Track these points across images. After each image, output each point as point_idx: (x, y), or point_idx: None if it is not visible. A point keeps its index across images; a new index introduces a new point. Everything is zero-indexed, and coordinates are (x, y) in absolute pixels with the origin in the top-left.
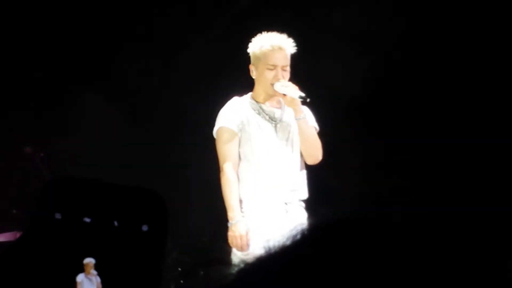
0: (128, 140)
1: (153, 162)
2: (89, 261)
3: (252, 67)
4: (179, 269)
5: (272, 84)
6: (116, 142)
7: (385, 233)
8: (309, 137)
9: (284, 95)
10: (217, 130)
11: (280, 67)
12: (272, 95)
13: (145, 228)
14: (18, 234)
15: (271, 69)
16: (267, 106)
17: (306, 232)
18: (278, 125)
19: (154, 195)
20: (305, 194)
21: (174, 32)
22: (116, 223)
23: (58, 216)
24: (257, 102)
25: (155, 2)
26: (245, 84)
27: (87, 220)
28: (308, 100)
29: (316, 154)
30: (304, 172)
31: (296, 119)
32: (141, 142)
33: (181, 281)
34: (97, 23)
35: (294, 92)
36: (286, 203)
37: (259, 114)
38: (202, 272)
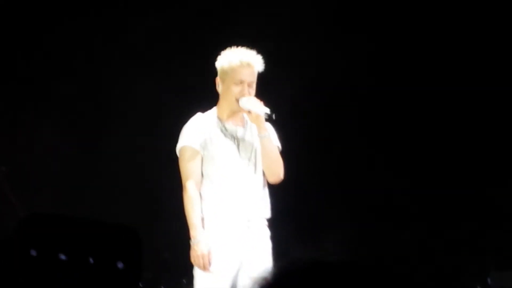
0: (91, 155)
1: (117, 176)
2: None
3: (218, 81)
4: (141, 285)
5: (237, 100)
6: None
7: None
8: (272, 155)
9: (249, 111)
10: (180, 149)
11: (247, 83)
12: (236, 111)
13: (120, 265)
14: None
15: (238, 85)
16: (230, 125)
17: (273, 277)
18: (241, 144)
19: (129, 230)
20: (267, 212)
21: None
22: (91, 260)
23: (33, 253)
24: (220, 120)
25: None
26: (210, 98)
27: (63, 257)
28: (273, 116)
29: (278, 173)
30: (267, 190)
31: (259, 136)
32: (103, 157)
33: None
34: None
35: (260, 108)
36: (248, 220)
37: (222, 132)
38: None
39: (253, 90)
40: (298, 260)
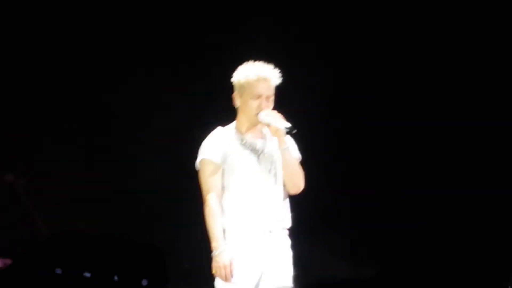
0: (114, 168)
1: (139, 190)
2: None
3: (236, 96)
4: None
5: (256, 114)
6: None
7: None
8: (292, 167)
9: (269, 125)
10: (200, 162)
11: (265, 97)
12: (255, 124)
13: (145, 282)
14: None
15: (256, 99)
16: (250, 137)
17: None
18: (260, 156)
19: (154, 249)
20: (288, 223)
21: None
22: (116, 278)
23: (58, 271)
24: (240, 133)
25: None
26: (229, 113)
27: (87, 275)
28: (294, 131)
29: (298, 184)
30: (287, 200)
31: (279, 149)
32: (124, 172)
33: None
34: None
35: (280, 122)
36: (270, 231)
37: (241, 145)
38: None
39: (271, 104)
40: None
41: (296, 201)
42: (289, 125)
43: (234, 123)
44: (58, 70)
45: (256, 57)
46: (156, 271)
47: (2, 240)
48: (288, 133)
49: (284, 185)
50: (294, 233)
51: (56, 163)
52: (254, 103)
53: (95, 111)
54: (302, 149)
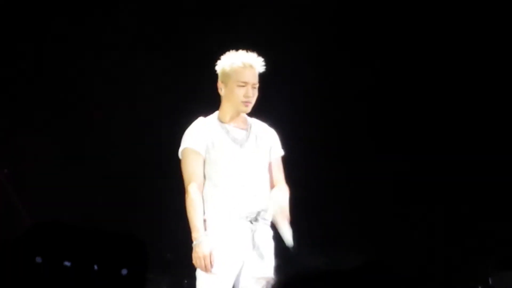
0: (96, 158)
1: (119, 179)
2: None
3: (220, 85)
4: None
5: (243, 102)
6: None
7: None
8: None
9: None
10: (182, 151)
11: (251, 84)
12: (240, 113)
13: (124, 272)
14: None
15: (242, 86)
16: (232, 127)
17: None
18: (243, 146)
19: (134, 239)
20: (270, 213)
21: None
22: (96, 267)
23: (38, 259)
24: (223, 123)
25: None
26: (211, 103)
27: (67, 263)
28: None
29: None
30: (269, 190)
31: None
32: (105, 160)
33: None
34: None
35: (288, 235)
36: (251, 222)
37: (224, 135)
38: None
39: (256, 91)
40: (303, 269)
41: None
42: (291, 244)
43: (216, 113)
44: (43, 63)
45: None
46: (136, 260)
47: None
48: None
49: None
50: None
51: (38, 154)
52: (240, 91)
53: (76, 100)
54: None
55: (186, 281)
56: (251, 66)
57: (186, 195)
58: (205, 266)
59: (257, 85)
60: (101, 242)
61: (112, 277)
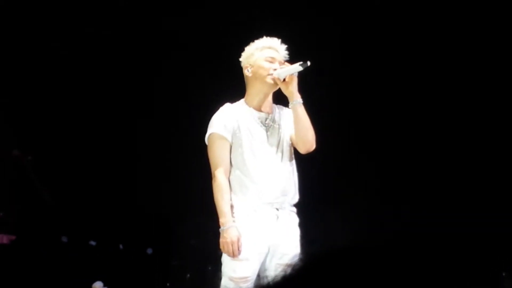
0: (119, 144)
1: (145, 165)
2: (98, 286)
3: (247, 66)
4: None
5: (270, 74)
6: (106, 145)
7: (369, 261)
8: (304, 123)
9: (283, 81)
10: (209, 137)
11: (278, 61)
12: (267, 93)
13: (149, 251)
14: (4, 237)
15: (270, 62)
16: (259, 112)
17: (297, 267)
18: (269, 131)
19: (159, 218)
20: (295, 198)
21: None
22: (121, 246)
23: (64, 239)
24: (249, 107)
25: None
26: (235, 93)
27: (93, 243)
28: (308, 63)
29: (311, 141)
30: (296, 177)
31: (293, 103)
32: (135, 144)
33: (168, 284)
34: None
35: (293, 66)
36: (277, 209)
37: (251, 119)
38: (188, 275)
39: None
40: (325, 248)
41: (306, 178)
42: (300, 62)
43: (242, 100)
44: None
45: None
46: (162, 241)
47: (8, 216)
48: (305, 70)
49: (296, 144)
50: (302, 210)
51: (63, 137)
52: (268, 65)
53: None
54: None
55: (210, 268)
56: (276, 49)
57: (213, 181)
58: (233, 252)
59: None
60: (126, 223)
61: (138, 256)
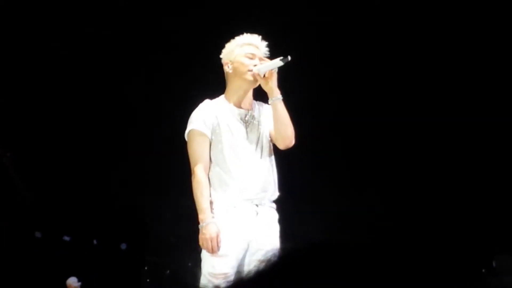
0: (95, 139)
1: (126, 161)
2: (72, 281)
3: (227, 63)
4: (146, 268)
5: (250, 70)
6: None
7: (345, 256)
8: (284, 119)
9: (263, 77)
10: (189, 133)
11: (258, 57)
12: (247, 89)
13: (123, 246)
14: None
15: (250, 58)
16: (239, 108)
17: (270, 262)
18: (248, 127)
19: (133, 213)
20: (275, 195)
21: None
22: (95, 242)
23: (38, 234)
24: (229, 103)
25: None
26: (215, 89)
27: (67, 238)
28: (289, 58)
29: (290, 137)
30: (275, 173)
31: (272, 100)
32: (111, 140)
33: (147, 280)
34: None
35: (273, 62)
36: (256, 205)
37: (230, 116)
38: (168, 272)
39: None
40: (302, 242)
41: (285, 174)
42: (281, 57)
43: (222, 96)
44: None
45: None
46: (136, 236)
47: None
48: (285, 65)
49: (275, 140)
50: (281, 206)
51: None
52: (248, 61)
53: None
54: None
55: (190, 264)
56: (256, 46)
57: (193, 177)
58: (212, 248)
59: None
60: (101, 218)
61: (111, 251)
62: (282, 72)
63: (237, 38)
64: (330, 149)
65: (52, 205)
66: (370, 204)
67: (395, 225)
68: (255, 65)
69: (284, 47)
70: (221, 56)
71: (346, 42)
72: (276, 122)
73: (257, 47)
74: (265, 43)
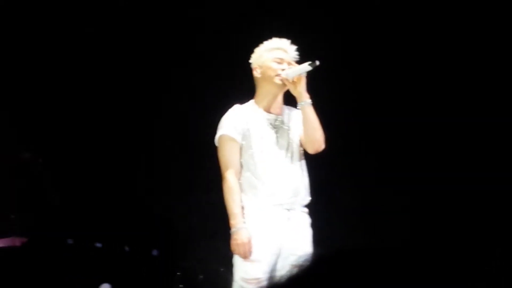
0: (131, 146)
1: (155, 167)
2: None
3: (256, 67)
4: (178, 273)
5: (278, 75)
6: (116, 146)
7: (382, 262)
8: (313, 123)
9: (292, 81)
10: (219, 138)
11: (286, 62)
12: (276, 94)
13: (155, 252)
14: (16, 240)
15: (278, 63)
16: (269, 113)
17: (303, 268)
18: (279, 132)
19: (164, 220)
20: (306, 199)
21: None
22: (127, 248)
23: (70, 241)
24: (259, 108)
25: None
26: (246, 93)
27: (99, 245)
28: (317, 63)
29: (319, 141)
30: (306, 177)
31: (301, 104)
32: (142, 146)
33: (180, 286)
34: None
35: (301, 66)
36: (288, 210)
37: (261, 121)
38: (201, 277)
39: None
40: (336, 248)
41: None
42: (309, 62)
43: (252, 101)
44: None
45: None
46: (167, 242)
47: (20, 218)
48: (313, 70)
49: (304, 144)
50: (314, 210)
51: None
52: (276, 66)
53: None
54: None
55: (222, 269)
56: (285, 50)
57: (224, 182)
58: (244, 253)
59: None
60: (133, 225)
61: (143, 258)
62: (310, 76)
63: (265, 42)
64: (359, 152)
65: (84, 212)
66: (401, 209)
67: (425, 230)
68: (283, 70)
69: (311, 51)
70: (250, 60)
71: (371, 43)
72: (305, 126)
73: (286, 51)
74: (294, 47)
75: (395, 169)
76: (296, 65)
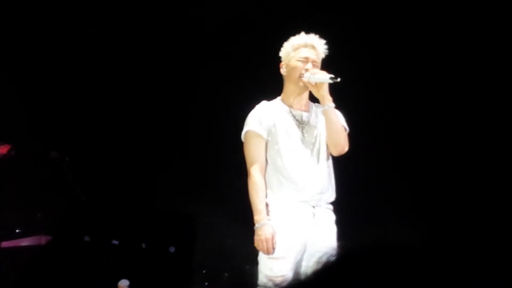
0: (152, 144)
1: (178, 165)
2: (124, 284)
3: (283, 64)
4: (204, 271)
5: (302, 75)
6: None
7: (403, 259)
8: (336, 126)
9: (314, 84)
10: (245, 134)
11: (311, 60)
12: (300, 93)
13: (172, 249)
14: (42, 238)
15: (303, 61)
16: (295, 110)
17: (328, 265)
18: (305, 129)
19: (181, 217)
20: (332, 197)
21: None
22: (144, 245)
23: (87, 239)
24: (285, 105)
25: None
26: (274, 89)
27: (115, 242)
28: (338, 79)
29: (342, 143)
30: (332, 174)
31: (324, 107)
32: (166, 146)
33: (206, 284)
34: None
35: (324, 76)
36: (313, 207)
37: (287, 117)
38: (226, 275)
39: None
40: (360, 245)
41: (342, 175)
42: (332, 76)
43: (279, 97)
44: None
45: None
46: (183, 239)
47: (46, 217)
48: (334, 84)
49: (329, 146)
50: (339, 208)
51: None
52: (300, 65)
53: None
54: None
55: (248, 267)
56: (313, 46)
57: (249, 178)
58: (267, 249)
59: (318, 64)
60: (149, 221)
61: (160, 255)
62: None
63: (293, 38)
64: (385, 152)
65: (101, 209)
66: (425, 205)
67: (452, 227)
68: (306, 69)
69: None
70: (280, 54)
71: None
72: (328, 129)
73: (313, 47)
74: (322, 41)
75: (424, 167)
76: (318, 68)
